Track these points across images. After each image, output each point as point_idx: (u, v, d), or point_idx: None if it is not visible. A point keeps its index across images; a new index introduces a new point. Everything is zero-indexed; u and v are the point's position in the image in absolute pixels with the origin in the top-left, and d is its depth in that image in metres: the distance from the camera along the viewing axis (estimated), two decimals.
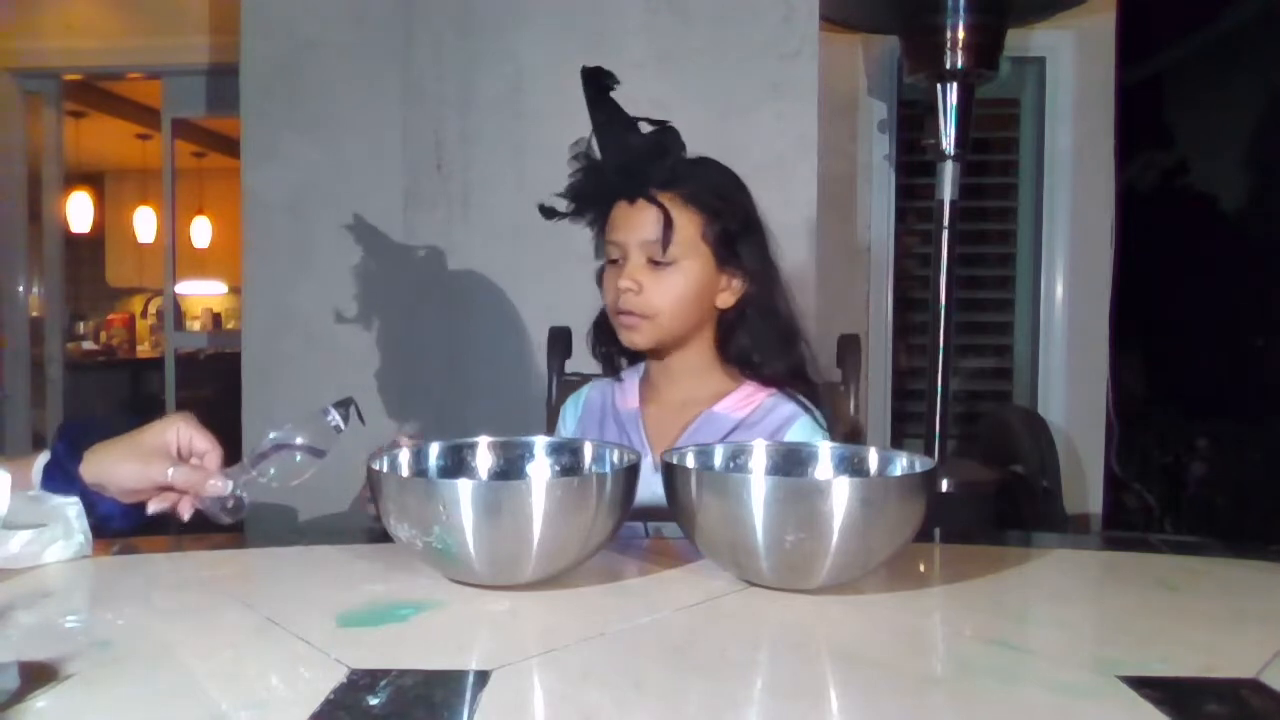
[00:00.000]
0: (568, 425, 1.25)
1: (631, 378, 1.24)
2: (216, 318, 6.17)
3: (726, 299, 1.16)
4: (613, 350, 1.26)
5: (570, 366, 1.52)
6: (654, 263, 1.10)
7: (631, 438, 1.17)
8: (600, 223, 1.17)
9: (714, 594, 0.79)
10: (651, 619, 0.73)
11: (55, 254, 3.34)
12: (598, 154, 1.14)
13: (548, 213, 1.19)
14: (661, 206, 1.09)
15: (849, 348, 1.46)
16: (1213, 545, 1.01)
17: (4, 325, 3.18)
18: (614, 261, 1.14)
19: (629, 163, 1.12)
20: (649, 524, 1.07)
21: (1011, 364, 2.91)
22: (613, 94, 1.14)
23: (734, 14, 2.14)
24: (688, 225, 1.11)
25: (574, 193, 1.17)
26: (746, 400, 1.16)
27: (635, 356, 1.25)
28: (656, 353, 1.16)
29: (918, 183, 2.76)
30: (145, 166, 5.77)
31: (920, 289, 2.79)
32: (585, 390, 1.27)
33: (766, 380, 1.18)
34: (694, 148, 1.22)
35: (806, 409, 1.15)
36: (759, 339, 1.17)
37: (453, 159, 2.19)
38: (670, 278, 1.10)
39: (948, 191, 2.30)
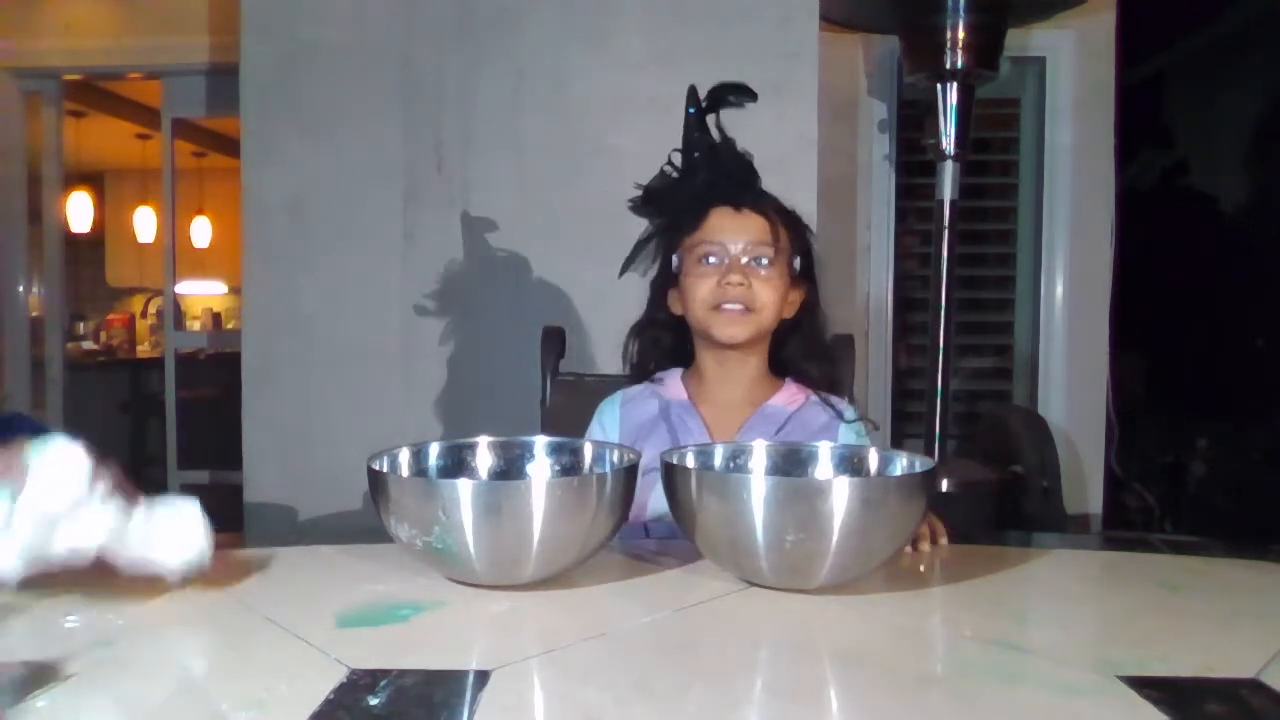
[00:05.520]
0: (607, 428, 1.25)
1: (671, 378, 1.28)
2: (216, 318, 6.16)
3: (788, 310, 1.24)
4: (653, 356, 1.30)
5: (565, 366, 1.53)
6: (755, 265, 1.19)
7: (691, 428, 1.21)
8: (678, 228, 1.23)
9: (714, 594, 0.79)
10: (651, 619, 0.73)
11: (55, 254, 3.34)
12: (691, 164, 1.24)
13: (638, 208, 1.26)
14: (767, 215, 1.20)
15: (843, 349, 1.46)
16: (1213, 545, 1.01)
17: (4, 325, 3.18)
18: (707, 263, 1.20)
19: (739, 174, 1.23)
20: (647, 524, 1.07)
21: (1011, 364, 2.91)
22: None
23: (734, 14, 2.14)
24: (781, 237, 1.20)
25: (669, 194, 1.25)
26: (793, 397, 1.24)
27: (671, 364, 1.30)
28: (739, 349, 1.21)
29: (918, 183, 2.76)
30: (145, 166, 5.76)
31: (920, 289, 2.79)
32: (620, 394, 1.29)
33: (807, 383, 1.26)
34: None
35: (839, 413, 1.24)
36: (809, 349, 1.27)
37: (453, 159, 2.19)
38: (771, 279, 1.19)
39: (948, 191, 2.30)
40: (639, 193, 1.27)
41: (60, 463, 0.69)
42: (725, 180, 1.22)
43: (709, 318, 1.18)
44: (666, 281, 1.26)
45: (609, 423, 1.26)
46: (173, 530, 0.76)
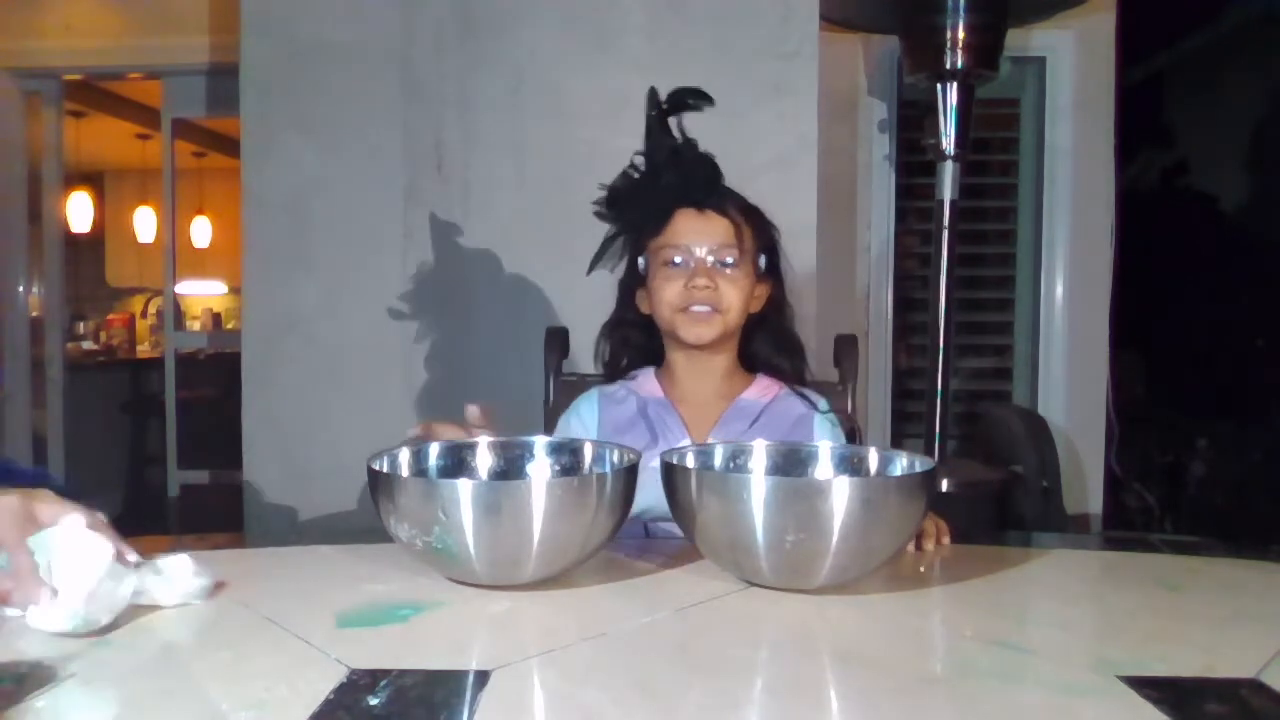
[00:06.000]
0: (585, 423, 1.26)
1: (645, 376, 1.29)
2: (216, 318, 6.17)
3: (754, 305, 1.26)
4: (625, 354, 1.31)
5: (567, 366, 1.53)
6: (720, 266, 1.20)
7: (669, 424, 1.22)
8: (643, 230, 1.24)
9: (714, 594, 0.79)
10: (651, 619, 0.73)
11: (55, 254, 3.34)
12: (654, 167, 1.25)
13: (601, 212, 1.27)
14: (731, 216, 1.21)
15: (846, 348, 1.47)
16: (1213, 545, 1.01)
17: (4, 325, 3.18)
18: (673, 265, 1.21)
19: (701, 176, 1.24)
20: (648, 524, 1.08)
21: (1011, 364, 2.91)
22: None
23: (734, 14, 2.14)
24: (745, 236, 1.22)
25: (633, 197, 1.26)
26: (765, 390, 1.26)
27: (643, 362, 1.30)
28: (708, 348, 1.22)
29: (918, 183, 2.76)
30: (145, 166, 5.77)
31: (920, 289, 2.79)
32: (596, 390, 1.30)
33: (778, 376, 1.28)
34: None
35: (813, 404, 1.26)
36: (777, 343, 1.29)
37: (453, 159, 2.19)
38: (737, 280, 1.21)
39: (948, 191, 2.30)
40: (603, 194, 1.28)
41: (79, 548, 0.71)
42: (688, 182, 1.23)
43: (676, 319, 1.20)
44: (634, 281, 1.27)
45: (587, 417, 1.26)
46: (171, 582, 0.76)
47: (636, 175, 1.26)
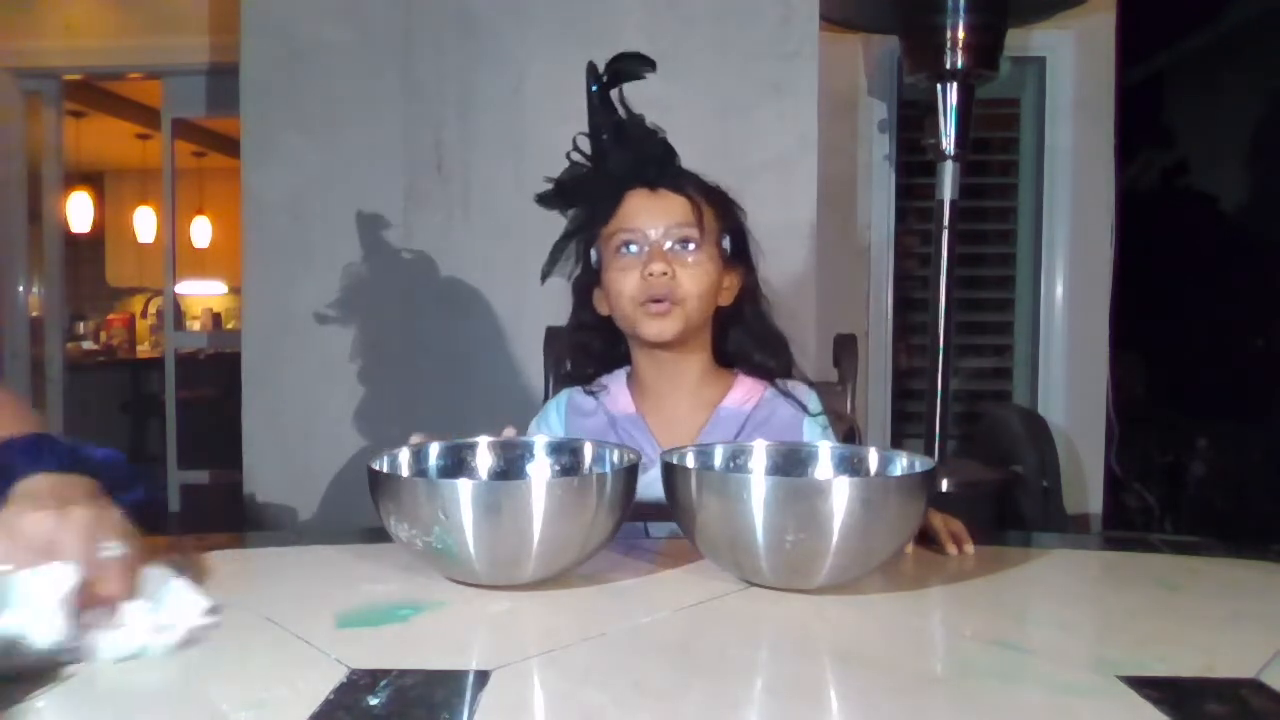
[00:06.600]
0: (553, 430, 1.18)
1: (616, 383, 1.19)
2: (216, 318, 6.17)
3: (725, 297, 1.15)
4: (587, 363, 1.21)
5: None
6: (679, 250, 1.09)
7: (640, 443, 1.11)
8: (593, 219, 1.15)
9: (714, 594, 0.79)
10: (651, 619, 0.73)
11: (55, 254, 3.35)
12: (599, 147, 1.14)
13: (546, 201, 1.18)
14: (687, 194, 1.10)
15: (845, 348, 1.46)
16: (1213, 545, 1.01)
17: (4, 325, 3.18)
18: (626, 252, 1.10)
19: (651, 152, 1.13)
20: (648, 524, 1.07)
21: (1011, 364, 2.91)
22: (613, 92, 1.14)
23: (734, 14, 2.14)
24: (706, 217, 1.11)
25: (580, 181, 1.16)
26: (749, 393, 1.16)
27: (605, 367, 1.21)
28: (675, 347, 1.12)
29: (918, 183, 2.76)
30: (145, 166, 5.77)
31: (920, 289, 2.79)
32: (565, 395, 1.21)
33: (761, 375, 1.18)
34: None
35: (801, 406, 1.16)
36: (756, 335, 1.18)
37: (453, 159, 2.19)
38: (698, 265, 1.09)
39: (948, 191, 2.30)
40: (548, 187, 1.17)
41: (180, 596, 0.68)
42: (637, 159, 1.12)
43: (637, 315, 1.09)
44: (590, 280, 1.17)
45: (556, 426, 1.18)
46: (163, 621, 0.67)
47: (583, 161, 1.15)
